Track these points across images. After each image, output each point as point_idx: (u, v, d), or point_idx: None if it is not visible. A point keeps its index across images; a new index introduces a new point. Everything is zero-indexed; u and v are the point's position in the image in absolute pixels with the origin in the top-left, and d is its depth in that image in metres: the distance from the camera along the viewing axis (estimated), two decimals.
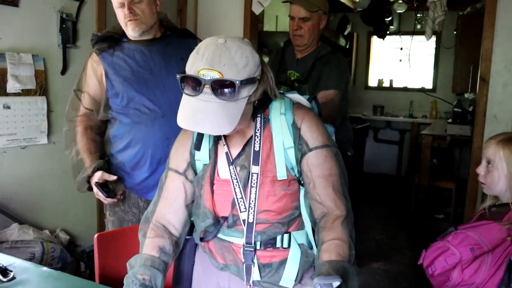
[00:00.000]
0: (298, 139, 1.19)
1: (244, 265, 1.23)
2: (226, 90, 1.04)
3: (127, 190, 2.01)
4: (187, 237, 1.36)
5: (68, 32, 2.70)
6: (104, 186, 1.89)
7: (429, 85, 6.76)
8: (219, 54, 1.04)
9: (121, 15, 1.88)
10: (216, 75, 1.03)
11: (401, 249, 4.03)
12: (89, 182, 1.90)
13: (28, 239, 2.44)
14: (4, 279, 1.39)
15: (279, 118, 1.21)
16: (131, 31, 1.89)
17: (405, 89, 6.97)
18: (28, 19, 2.51)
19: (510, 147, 1.53)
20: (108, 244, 1.75)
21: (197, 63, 1.05)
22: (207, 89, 1.04)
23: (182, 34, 2.07)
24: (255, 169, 1.19)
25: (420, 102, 6.69)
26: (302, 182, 1.23)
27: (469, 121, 4.41)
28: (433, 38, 6.52)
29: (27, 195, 2.60)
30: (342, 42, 4.80)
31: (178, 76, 1.08)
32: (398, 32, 6.67)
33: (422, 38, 6.44)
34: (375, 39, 7.07)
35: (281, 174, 1.19)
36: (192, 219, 1.34)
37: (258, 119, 1.20)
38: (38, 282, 1.40)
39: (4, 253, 1.65)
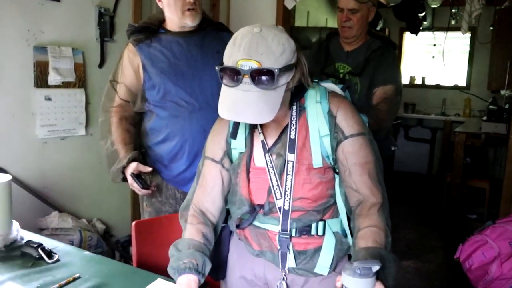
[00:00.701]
0: (334, 127, 1.20)
1: (280, 252, 1.25)
2: (265, 78, 1.05)
3: (164, 182, 2.02)
4: (223, 225, 1.39)
5: (106, 26, 2.78)
6: (139, 177, 1.90)
7: (462, 82, 6.62)
8: (256, 43, 1.06)
9: (179, 3, 1.85)
10: (254, 65, 1.04)
11: (432, 248, 3.97)
12: (123, 172, 1.90)
13: (67, 227, 2.53)
14: (50, 261, 1.46)
15: (315, 106, 1.22)
16: (190, 21, 1.89)
17: (437, 86, 6.84)
18: (68, 14, 2.60)
19: None
20: (145, 232, 1.80)
21: (235, 54, 1.07)
22: (246, 79, 1.06)
23: (218, 27, 2.08)
24: (290, 157, 1.21)
25: (453, 100, 6.56)
26: (337, 170, 1.24)
27: (505, 119, 4.31)
28: (468, 34, 6.38)
29: (66, 184, 2.70)
30: None
31: (217, 68, 1.10)
32: (431, 28, 6.54)
33: (456, 34, 6.35)
34: (407, 35, 6.97)
35: (317, 162, 1.20)
36: (227, 207, 1.36)
37: (294, 107, 1.22)
38: (81, 264, 1.46)
39: None
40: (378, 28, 6.13)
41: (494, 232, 1.53)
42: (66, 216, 2.56)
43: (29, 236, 1.65)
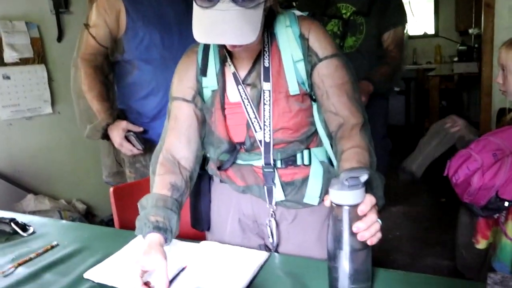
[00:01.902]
0: (307, 50, 1.13)
1: (265, 187, 1.20)
2: None
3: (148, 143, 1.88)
4: (200, 172, 1.31)
5: None
6: (135, 135, 1.78)
7: (431, 30, 6.61)
8: None
9: None
10: None
11: (417, 192, 4.01)
12: (105, 129, 1.78)
13: (45, 208, 2.44)
14: (25, 234, 1.38)
15: (285, 30, 1.15)
16: None
17: (407, 37, 6.81)
18: None
19: None
20: (125, 197, 1.72)
21: None
22: None
23: None
24: (266, 86, 1.14)
25: (424, 49, 6.55)
26: (314, 97, 1.18)
27: (476, 58, 4.32)
28: None
29: (38, 166, 2.59)
30: None
31: None
32: None
33: None
34: None
35: (293, 88, 1.14)
36: (204, 151, 1.29)
37: (265, 34, 1.15)
38: (59, 233, 1.39)
39: None
40: None
41: (477, 146, 1.52)
42: (43, 198, 2.47)
43: (1, 214, 1.56)
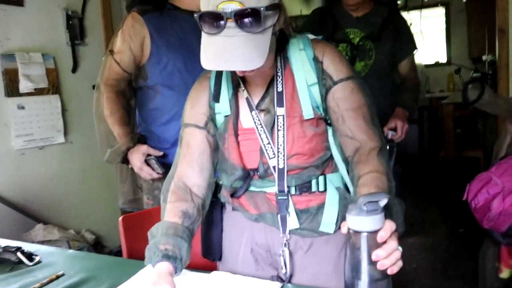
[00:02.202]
0: (322, 74, 1.11)
1: (279, 215, 1.16)
2: (250, 20, 0.94)
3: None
4: (213, 200, 1.28)
5: (75, 30, 2.69)
6: (154, 159, 1.77)
7: (443, 58, 6.61)
8: None
9: None
10: (237, 6, 0.93)
11: (434, 222, 3.91)
12: (125, 155, 1.78)
13: (54, 238, 2.41)
14: (30, 263, 1.35)
15: (299, 54, 1.13)
16: None
17: (419, 66, 6.82)
18: (35, 18, 2.50)
19: None
20: (133, 226, 1.69)
21: None
22: (230, 23, 0.95)
23: None
24: (280, 111, 1.11)
25: (436, 77, 6.54)
26: (329, 121, 1.15)
27: (490, 85, 4.27)
28: (442, 11, 6.41)
29: (49, 196, 2.58)
30: None
31: (195, 15, 0.99)
32: (405, 7, 6.54)
33: (430, 12, 6.38)
34: None
35: (308, 113, 1.11)
36: (217, 178, 1.26)
37: (278, 58, 1.13)
38: (65, 263, 1.35)
39: None
40: None
41: (499, 169, 1.48)
42: (52, 228, 2.44)
43: (6, 242, 1.53)
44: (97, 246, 2.79)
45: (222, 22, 0.94)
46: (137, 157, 1.76)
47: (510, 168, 1.46)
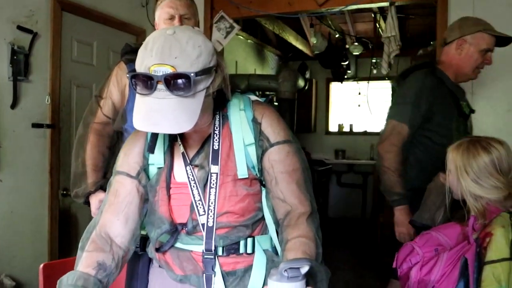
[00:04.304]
0: (259, 135, 1.13)
1: (204, 275, 1.12)
2: (180, 84, 0.96)
3: None
4: (140, 253, 1.23)
5: (20, 65, 2.60)
6: None
7: None
8: (169, 47, 0.97)
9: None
10: (168, 70, 0.95)
11: (369, 287, 3.93)
12: (87, 197, 1.90)
13: None
14: None
15: (239, 114, 1.15)
16: None
17: (365, 133, 7.11)
18: None
19: (458, 150, 1.55)
20: (55, 275, 1.58)
21: (147, 59, 0.98)
22: (160, 86, 0.96)
23: None
24: (214, 168, 1.11)
25: None
26: (263, 182, 1.15)
27: None
28: (389, 84, 6.81)
29: None
30: (301, 83, 4.89)
31: (127, 75, 1.00)
32: (355, 78, 6.91)
33: (378, 84, 6.76)
34: (333, 85, 7.28)
35: (242, 172, 1.12)
36: (144, 231, 1.22)
37: (217, 116, 1.14)
38: None
39: None
40: (306, 77, 6.37)
41: (421, 239, 1.55)
42: None
43: None
44: None
45: (153, 84, 0.96)
46: (94, 203, 1.90)
47: (430, 239, 1.53)
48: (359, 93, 6.83)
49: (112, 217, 1.14)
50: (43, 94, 2.78)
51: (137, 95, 1.01)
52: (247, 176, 1.12)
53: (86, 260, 1.07)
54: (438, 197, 1.74)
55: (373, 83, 6.55)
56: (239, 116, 1.15)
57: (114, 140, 1.98)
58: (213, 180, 1.11)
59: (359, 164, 6.81)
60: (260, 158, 1.13)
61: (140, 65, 0.99)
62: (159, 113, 0.96)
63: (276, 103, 5.52)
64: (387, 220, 4.53)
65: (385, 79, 6.78)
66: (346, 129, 7.23)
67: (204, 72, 1.00)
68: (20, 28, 2.62)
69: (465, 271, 1.44)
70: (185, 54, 0.97)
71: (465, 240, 1.47)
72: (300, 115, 6.30)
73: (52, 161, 2.82)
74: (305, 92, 5.70)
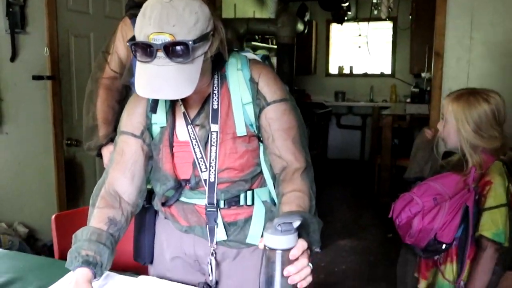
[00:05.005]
0: (256, 94, 1.17)
1: (207, 226, 1.21)
2: (180, 52, 0.99)
3: None
4: (147, 206, 1.31)
5: (16, 17, 2.58)
6: None
7: (388, 70, 6.90)
8: (167, 15, 0.99)
9: None
10: (167, 38, 0.98)
11: (366, 226, 4.10)
12: (99, 149, 1.98)
13: None
14: None
15: (236, 74, 1.18)
16: None
17: (365, 75, 7.09)
18: None
19: (459, 101, 1.58)
20: (67, 225, 1.69)
21: (146, 27, 1.00)
22: (160, 53, 0.99)
23: None
24: (214, 127, 1.17)
25: (380, 87, 6.84)
26: (261, 138, 1.21)
27: (427, 101, 4.53)
28: (390, 24, 6.69)
29: None
30: (300, 27, 4.82)
31: (128, 43, 1.03)
32: (355, 19, 6.78)
33: (378, 24, 6.64)
34: (334, 27, 7.16)
35: (240, 130, 1.17)
36: (150, 185, 1.29)
37: (216, 76, 1.18)
38: None
39: None
40: (305, 19, 6.26)
41: (419, 190, 1.62)
42: None
43: None
44: (30, 239, 2.72)
45: (152, 52, 0.99)
46: (106, 155, 1.97)
47: (429, 189, 1.60)
48: (359, 35, 6.72)
49: (119, 175, 1.21)
50: (41, 46, 2.77)
51: (137, 62, 1.04)
52: (245, 134, 1.18)
53: (98, 216, 1.15)
54: (426, 152, 1.80)
55: (373, 23, 6.45)
56: (237, 76, 1.18)
57: (123, 95, 2.01)
58: (214, 138, 1.16)
59: (359, 106, 6.84)
60: (257, 116, 1.18)
61: (139, 33, 1.02)
62: (160, 80, 1.00)
63: (275, 46, 5.48)
64: (384, 162, 4.65)
65: (385, 20, 6.67)
66: (346, 71, 7.19)
67: (202, 38, 1.02)
68: None
69: (466, 217, 1.53)
70: (183, 21, 1.00)
71: (464, 189, 1.55)
72: (300, 57, 6.26)
73: (54, 112, 2.87)
74: (305, 34, 5.63)
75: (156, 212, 1.35)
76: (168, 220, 1.30)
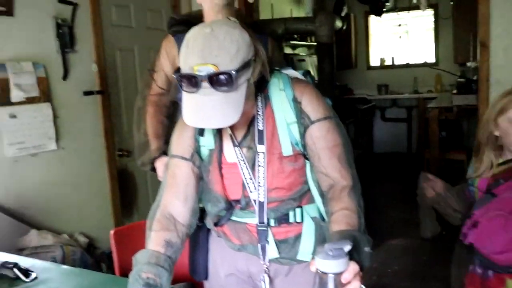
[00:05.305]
0: (300, 113, 1.19)
1: (259, 245, 1.24)
2: (224, 81, 1.02)
3: None
4: (199, 224, 1.36)
5: (65, 37, 2.72)
6: None
7: (431, 59, 6.71)
8: (209, 45, 1.02)
9: None
10: (211, 69, 1.01)
11: (417, 224, 4.01)
12: (152, 163, 2.03)
13: (48, 244, 2.48)
14: (27, 280, 1.43)
15: (279, 94, 1.21)
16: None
17: (407, 65, 6.93)
18: (25, 28, 2.53)
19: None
20: (126, 240, 1.77)
21: (190, 58, 1.04)
22: (205, 84, 1.02)
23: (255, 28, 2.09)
24: (261, 148, 1.19)
25: (424, 77, 6.65)
26: (307, 156, 1.23)
27: (474, 90, 4.38)
28: (431, 12, 6.49)
29: (43, 201, 2.64)
30: (339, 24, 4.77)
31: (174, 75, 1.07)
32: (394, 9, 6.62)
33: (419, 12, 6.46)
34: (372, 18, 7.03)
35: (287, 150, 1.19)
36: (201, 205, 1.34)
37: (259, 98, 1.20)
38: (61, 280, 1.43)
39: None
40: (343, 14, 6.17)
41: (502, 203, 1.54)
42: (46, 233, 2.50)
43: (4, 257, 1.61)
44: (90, 248, 2.87)
45: (198, 83, 1.02)
46: (159, 167, 2.02)
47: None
48: (399, 25, 6.58)
49: (173, 198, 1.26)
50: (89, 62, 2.90)
51: (183, 92, 1.08)
52: (291, 154, 1.20)
53: (155, 239, 1.21)
54: (440, 206, 1.73)
55: (413, 12, 6.28)
56: (280, 96, 1.20)
57: (170, 110, 2.08)
58: (261, 159, 1.19)
59: (403, 98, 6.69)
60: (302, 135, 1.20)
61: (184, 64, 1.05)
62: (206, 110, 1.04)
63: (314, 43, 5.44)
64: (432, 156, 4.54)
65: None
66: (388, 62, 7.05)
67: (244, 66, 1.05)
68: (61, 1, 2.71)
69: None
70: (225, 51, 1.02)
71: None
72: (340, 52, 6.19)
73: (105, 125, 3.00)
74: (344, 29, 5.56)
75: (208, 230, 1.40)
76: (221, 238, 1.34)
